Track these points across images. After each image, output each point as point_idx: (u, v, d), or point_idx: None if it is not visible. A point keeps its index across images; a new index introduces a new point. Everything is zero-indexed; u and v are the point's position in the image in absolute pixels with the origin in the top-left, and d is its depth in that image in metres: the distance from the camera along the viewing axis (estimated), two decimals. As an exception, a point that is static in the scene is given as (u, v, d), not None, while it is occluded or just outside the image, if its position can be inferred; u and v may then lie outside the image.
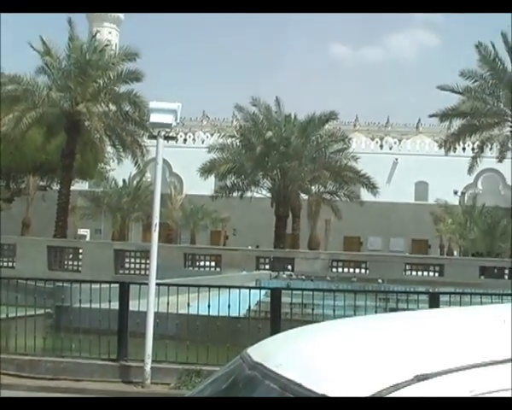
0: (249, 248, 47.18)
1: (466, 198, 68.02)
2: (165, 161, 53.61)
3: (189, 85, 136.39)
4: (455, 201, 65.49)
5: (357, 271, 38.00)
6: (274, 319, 13.41)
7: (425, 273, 37.93)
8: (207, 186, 53.92)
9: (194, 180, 59.21)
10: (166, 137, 15.43)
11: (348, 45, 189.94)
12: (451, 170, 64.53)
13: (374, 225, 68.30)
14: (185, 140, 74.67)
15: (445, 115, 42.81)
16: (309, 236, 55.09)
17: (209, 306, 14.05)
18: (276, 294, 14.03)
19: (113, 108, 42.72)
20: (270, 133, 44.06)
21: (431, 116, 45.20)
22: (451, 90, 42.00)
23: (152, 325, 12.92)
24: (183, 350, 13.33)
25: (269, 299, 14.68)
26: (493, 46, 41.28)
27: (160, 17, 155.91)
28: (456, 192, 68.12)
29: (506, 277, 37.12)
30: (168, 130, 15.26)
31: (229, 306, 13.94)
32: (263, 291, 17.04)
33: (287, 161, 43.79)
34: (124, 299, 13.74)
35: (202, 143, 72.24)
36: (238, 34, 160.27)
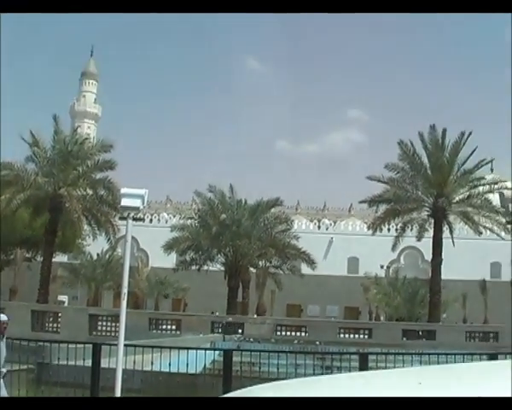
0: (205, 314, 46.91)
1: (391, 271, 68.34)
2: (133, 238, 53.15)
3: (156, 172, 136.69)
4: (381, 273, 65.75)
5: (298, 334, 37.73)
6: (226, 377, 13.27)
7: (356, 336, 37.76)
8: (170, 260, 53.72)
9: (159, 255, 59.01)
10: (135, 219, 15.36)
11: (291, 141, 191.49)
12: (378, 247, 64.90)
13: (312, 295, 68.28)
14: (151, 220, 74.62)
15: (372, 201, 43.27)
16: (257, 304, 54.94)
17: (170, 364, 13.90)
18: (228, 354, 13.92)
19: (90, 192, 42.78)
20: (224, 216, 44.45)
21: (361, 202, 45.73)
22: (378, 180, 42.51)
23: (120, 380, 12.73)
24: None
25: (222, 358, 14.59)
26: (412, 144, 41.92)
27: (131, 113, 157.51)
28: (382, 266, 68.49)
29: (424, 338, 37.18)
30: (136, 212, 15.22)
31: (187, 364, 13.82)
32: (217, 352, 16.92)
33: (238, 239, 43.91)
34: (96, 358, 13.56)
35: (166, 222, 72.29)
36: (194, 137, 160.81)
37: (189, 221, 48.25)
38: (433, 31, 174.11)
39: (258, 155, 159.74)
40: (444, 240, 42.41)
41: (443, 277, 42.54)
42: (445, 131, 41.85)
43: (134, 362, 13.80)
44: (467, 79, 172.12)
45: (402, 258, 73.16)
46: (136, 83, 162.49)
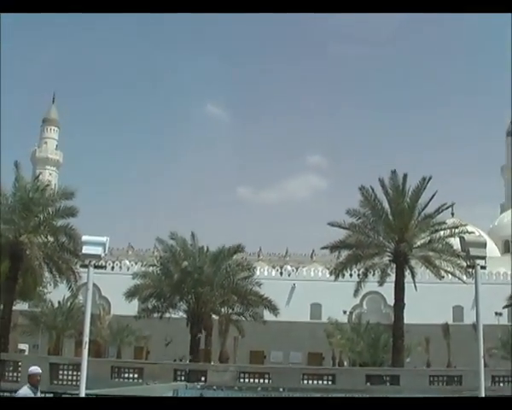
0: (167, 362, 46.63)
1: (354, 316, 68.54)
2: (95, 286, 52.99)
3: (118, 219, 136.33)
4: (344, 319, 65.88)
5: (262, 381, 37.55)
6: None
7: (320, 382, 37.68)
8: (132, 308, 53.39)
9: (121, 302, 58.60)
10: (96, 266, 15.34)
11: (252, 187, 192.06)
12: (341, 293, 65.04)
13: (275, 341, 68.17)
14: (113, 267, 74.20)
15: (334, 247, 43.38)
16: (220, 351, 54.79)
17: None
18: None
19: (51, 239, 42.24)
20: (185, 263, 44.27)
21: (322, 248, 45.73)
22: (339, 226, 42.68)
23: None
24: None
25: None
26: (372, 190, 42.22)
27: (92, 160, 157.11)
28: (345, 312, 68.75)
29: (388, 383, 37.21)
30: (97, 260, 15.19)
31: None
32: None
33: (200, 286, 43.68)
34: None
35: (128, 270, 71.92)
36: (155, 184, 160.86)
37: (150, 268, 47.93)
38: (392, 80, 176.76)
39: (219, 201, 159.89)
40: (406, 284, 42.64)
41: (406, 321, 42.67)
42: (405, 176, 42.26)
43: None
44: (428, 125, 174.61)
45: (365, 303, 73.46)
46: (97, 131, 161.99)
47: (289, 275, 78.27)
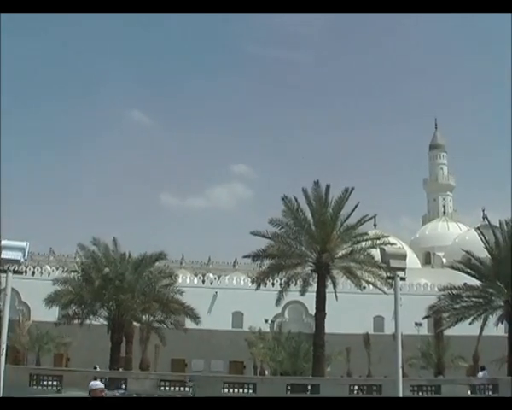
0: (87, 369, 45.98)
1: (275, 325, 68.81)
2: (15, 291, 52.31)
3: (40, 224, 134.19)
4: (266, 328, 66.11)
5: (182, 389, 37.41)
6: None
7: (241, 390, 37.65)
8: (52, 314, 52.60)
9: (41, 308, 57.71)
10: (15, 272, 15.11)
11: (176, 195, 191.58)
12: (263, 302, 65.32)
13: (197, 349, 68.17)
14: (33, 272, 72.87)
15: (256, 256, 43.37)
16: (140, 358, 54.45)
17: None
18: None
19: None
20: (107, 269, 43.88)
21: (245, 257, 45.65)
22: (262, 235, 42.70)
23: None
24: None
25: None
26: (296, 200, 42.35)
27: (14, 163, 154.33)
28: (266, 321, 68.95)
29: (309, 392, 37.38)
30: (17, 265, 14.97)
31: None
32: None
33: (121, 293, 43.34)
34: None
35: (48, 275, 71.01)
36: (79, 190, 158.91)
37: (71, 274, 47.30)
38: (318, 90, 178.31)
39: (143, 208, 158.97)
40: (328, 294, 42.96)
41: (327, 331, 42.97)
42: (328, 187, 42.52)
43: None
44: (354, 137, 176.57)
45: (286, 312, 73.91)
46: (19, 131, 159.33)
47: (211, 283, 78.22)
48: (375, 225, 68.68)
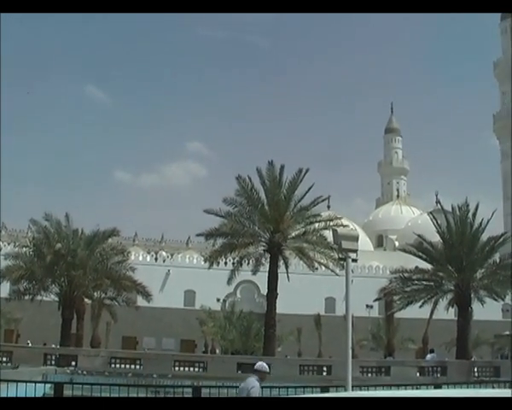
0: (38, 346, 45.81)
1: (227, 305, 68.98)
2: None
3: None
4: (218, 307, 66.21)
5: (133, 367, 37.45)
6: None
7: (191, 369, 37.84)
8: (3, 289, 52.16)
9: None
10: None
11: (129, 172, 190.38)
12: (215, 281, 65.42)
13: (148, 327, 68.06)
14: (-20, 246, 71.72)
15: (209, 235, 43.40)
16: (91, 336, 54.20)
17: (-1, 399, 13.37)
18: (58, 388, 13.66)
19: None
20: (59, 245, 43.51)
21: (198, 235, 45.70)
22: (215, 213, 42.74)
23: None
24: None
25: (53, 392, 14.30)
26: (250, 179, 42.44)
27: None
28: (218, 300, 69.14)
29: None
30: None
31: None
32: (48, 385, 16.57)
33: (73, 269, 43.06)
34: None
35: (-1, 250, 70.40)
36: (31, 164, 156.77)
37: (23, 249, 46.82)
38: (274, 67, 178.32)
39: (95, 184, 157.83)
40: (280, 275, 43.19)
41: (279, 311, 43.26)
42: (282, 167, 42.63)
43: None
44: (311, 118, 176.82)
45: (238, 292, 74.10)
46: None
47: (164, 261, 78.11)
48: (328, 207, 69.06)
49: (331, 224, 42.42)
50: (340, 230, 18.00)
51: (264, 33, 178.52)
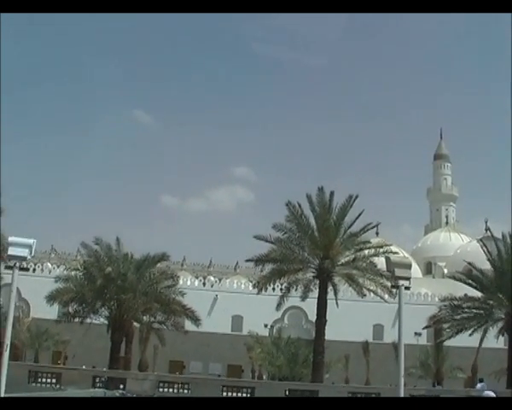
0: (84, 367, 46.18)
1: (274, 330, 68.91)
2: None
3: (41, 221, 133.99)
4: (265, 332, 66.19)
5: (181, 391, 37.50)
6: None
7: (239, 394, 37.74)
8: (52, 311, 52.59)
9: (41, 305, 57.77)
10: (21, 269, 15.15)
11: (176, 196, 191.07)
12: (263, 306, 65.48)
13: (195, 351, 68.22)
14: (34, 269, 72.70)
15: (259, 260, 43.39)
16: (139, 359, 54.49)
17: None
18: None
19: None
20: (109, 269, 43.83)
21: (247, 261, 45.60)
22: (265, 239, 42.69)
23: None
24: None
25: None
26: (299, 205, 42.42)
27: (17, 161, 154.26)
28: (266, 325, 69.08)
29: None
30: (23, 262, 15.01)
31: None
32: None
33: (123, 293, 43.38)
34: None
35: (49, 273, 71.23)
36: (82, 189, 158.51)
37: (72, 272, 47.26)
38: (324, 95, 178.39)
39: (143, 209, 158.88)
40: (328, 301, 43.00)
41: (327, 337, 43.06)
42: (332, 193, 42.50)
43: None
44: (358, 144, 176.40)
45: (286, 317, 73.94)
46: (22, 132, 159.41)
47: (212, 286, 78.18)
48: (377, 233, 68.78)
49: (381, 251, 42.25)
50: (393, 257, 17.94)
51: (316, 53, 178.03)
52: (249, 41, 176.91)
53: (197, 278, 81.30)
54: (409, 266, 17.71)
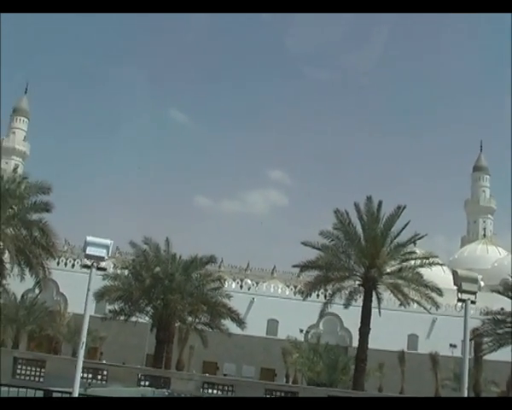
0: (131, 365, 46.68)
1: (309, 336, 69.14)
2: (53, 281, 52.95)
3: (81, 217, 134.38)
4: (300, 337, 66.40)
5: (225, 393, 37.79)
6: None
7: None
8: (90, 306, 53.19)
9: (78, 300, 58.36)
10: (99, 268, 15.59)
11: (209, 197, 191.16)
12: (299, 311, 65.83)
13: (229, 353, 68.41)
14: (73, 265, 73.22)
15: (305, 266, 43.80)
16: (177, 359, 54.98)
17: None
18: None
19: (23, 232, 41.73)
20: (158, 268, 44.43)
21: (294, 266, 45.99)
22: (312, 246, 43.09)
23: None
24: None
25: None
26: (347, 213, 42.75)
27: (61, 154, 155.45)
28: (301, 330, 69.23)
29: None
30: (101, 262, 15.43)
31: None
32: None
33: (170, 293, 43.95)
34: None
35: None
36: (117, 185, 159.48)
37: (119, 271, 47.92)
38: (366, 102, 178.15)
39: (177, 209, 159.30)
40: (359, 309, 43.51)
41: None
42: (380, 203, 42.87)
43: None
44: (393, 147, 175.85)
45: (321, 324, 73.93)
46: (67, 129, 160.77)
47: (249, 289, 78.38)
48: (414, 244, 68.66)
49: (427, 262, 42.58)
50: (460, 272, 18.19)
51: (360, 71, 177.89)
52: (292, 44, 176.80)
53: (234, 280, 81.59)
54: (475, 281, 17.97)
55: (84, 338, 15.05)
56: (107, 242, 15.76)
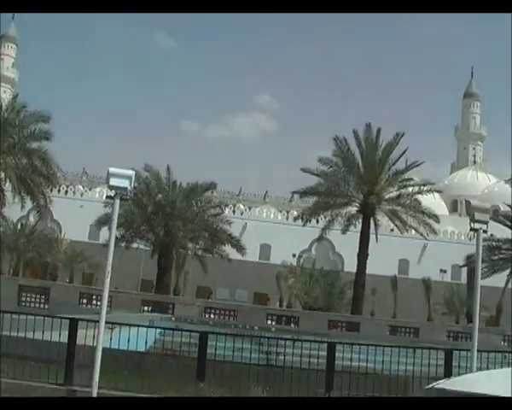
0: (135, 291, 47.27)
1: (302, 261, 69.85)
2: (48, 209, 53.17)
3: (71, 143, 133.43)
4: (293, 262, 67.09)
5: (227, 318, 38.49)
6: (201, 360, 13.48)
7: (283, 324, 38.67)
8: (83, 233, 53.82)
9: (72, 227, 59.05)
10: (122, 199, 15.95)
11: (196, 121, 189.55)
12: (291, 236, 66.44)
13: (223, 278, 68.87)
14: (66, 192, 73.34)
15: (305, 193, 44.26)
16: (175, 284, 55.58)
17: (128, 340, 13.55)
18: (203, 337, 14.14)
19: (24, 161, 41.82)
20: (160, 196, 44.68)
21: (294, 192, 46.48)
22: (311, 172, 43.44)
23: (100, 357, 12.26)
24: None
25: (163, 338, 15.04)
26: (345, 140, 43.04)
27: (48, 83, 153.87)
28: (294, 255, 69.81)
29: (346, 330, 38.24)
30: (124, 193, 15.75)
31: (128, 340, 13.66)
32: (157, 331, 17.03)
33: (172, 220, 44.37)
34: (73, 333, 13.28)
35: (81, 195, 72.72)
36: (111, 111, 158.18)
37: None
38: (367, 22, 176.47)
39: (163, 134, 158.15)
40: (353, 234, 44.16)
41: (352, 270, 44.27)
42: (379, 130, 43.14)
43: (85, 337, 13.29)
44: (382, 74, 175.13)
45: (313, 249, 74.56)
46: (51, 55, 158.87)
47: (242, 214, 78.78)
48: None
49: (424, 188, 43.10)
50: (473, 202, 18.58)
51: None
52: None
53: (227, 206, 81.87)
54: (488, 211, 18.35)
55: (109, 267, 15.26)
56: (130, 173, 16.00)
